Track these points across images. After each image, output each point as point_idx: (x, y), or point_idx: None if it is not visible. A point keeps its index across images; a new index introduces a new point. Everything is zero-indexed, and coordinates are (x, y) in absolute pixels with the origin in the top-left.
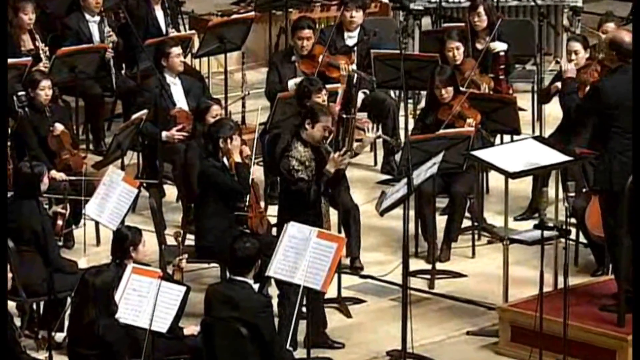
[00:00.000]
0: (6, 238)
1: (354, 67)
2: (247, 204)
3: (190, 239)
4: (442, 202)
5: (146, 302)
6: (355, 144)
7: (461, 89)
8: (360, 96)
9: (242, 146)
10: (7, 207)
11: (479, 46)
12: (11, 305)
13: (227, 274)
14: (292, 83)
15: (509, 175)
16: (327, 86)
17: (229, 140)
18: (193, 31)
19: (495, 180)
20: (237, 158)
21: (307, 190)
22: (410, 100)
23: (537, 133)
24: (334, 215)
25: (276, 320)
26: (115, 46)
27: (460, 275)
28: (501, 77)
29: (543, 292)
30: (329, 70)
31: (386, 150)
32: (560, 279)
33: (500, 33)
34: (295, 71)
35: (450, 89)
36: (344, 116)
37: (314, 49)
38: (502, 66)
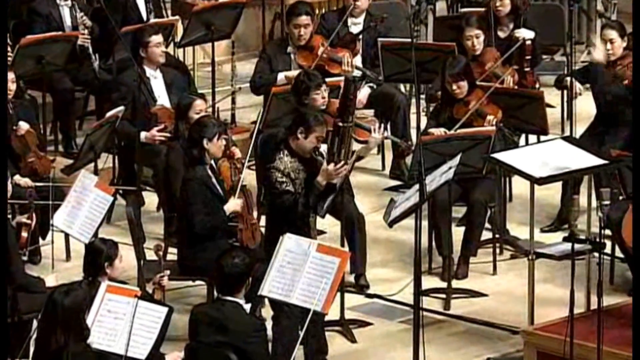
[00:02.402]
0: (6, 237)
1: (357, 62)
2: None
3: (172, 253)
4: (459, 212)
5: (122, 325)
6: (360, 146)
7: (482, 83)
8: (366, 91)
9: (233, 148)
10: (6, 207)
11: (501, 34)
12: None
13: (215, 293)
14: (282, 76)
15: (534, 180)
16: (328, 80)
17: (214, 140)
18: (176, 17)
19: (519, 186)
20: (227, 170)
21: (294, 203)
22: (422, 96)
23: (567, 133)
24: (336, 226)
25: (270, 345)
26: (91, 31)
27: (479, 294)
28: (526, 69)
29: (574, 314)
30: (329, 65)
31: (395, 153)
32: (594, 298)
33: (525, 19)
34: (291, 64)
35: (463, 83)
36: (340, 124)
37: (312, 39)
38: (528, 57)
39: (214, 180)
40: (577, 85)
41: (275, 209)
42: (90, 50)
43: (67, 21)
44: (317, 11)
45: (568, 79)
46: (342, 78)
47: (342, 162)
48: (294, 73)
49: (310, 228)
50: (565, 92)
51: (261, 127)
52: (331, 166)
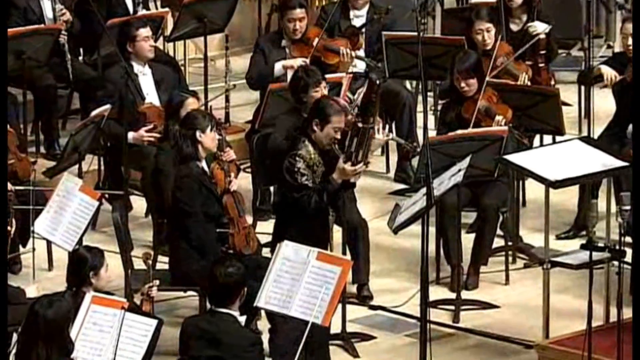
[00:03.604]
0: (6, 236)
1: (360, 52)
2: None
3: (162, 262)
4: (468, 217)
5: (109, 338)
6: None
7: (491, 79)
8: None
9: (227, 149)
10: (7, 207)
11: (514, 27)
12: None
13: (208, 305)
14: (279, 66)
15: (550, 184)
16: (327, 76)
17: (208, 131)
18: (166, 9)
19: (533, 190)
20: (220, 173)
21: (307, 200)
22: (430, 93)
23: (584, 133)
24: (337, 232)
25: None
26: (69, 27)
27: (490, 305)
28: (541, 64)
29: (592, 327)
30: (326, 56)
31: (400, 154)
32: (613, 310)
33: (540, 11)
34: (286, 58)
35: (473, 81)
36: (360, 125)
37: (308, 32)
38: (543, 52)
39: (207, 177)
40: (612, 72)
41: (288, 202)
42: (67, 47)
43: (48, 14)
44: (316, 3)
45: (602, 67)
46: (343, 74)
47: (361, 163)
48: (292, 62)
49: (329, 226)
50: (584, 88)
51: (257, 127)
52: (348, 165)
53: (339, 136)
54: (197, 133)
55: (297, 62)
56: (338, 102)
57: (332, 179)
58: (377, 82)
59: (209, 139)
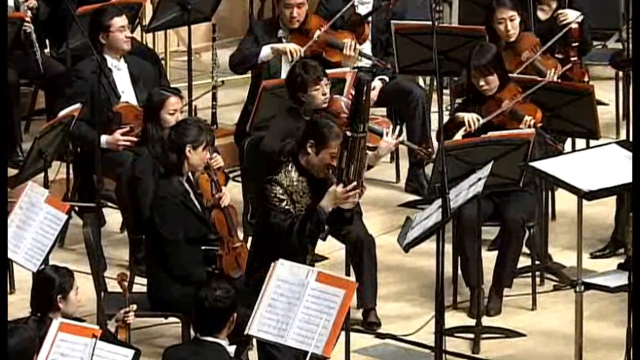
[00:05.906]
0: (6, 238)
1: (365, 48)
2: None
3: (140, 284)
4: (490, 233)
5: None
6: (368, 154)
7: (515, 75)
8: (377, 85)
9: (215, 155)
10: (6, 206)
11: (542, 15)
12: None
13: (192, 333)
14: (267, 50)
15: (583, 195)
16: (329, 71)
17: (200, 149)
18: None
19: (564, 202)
20: (207, 183)
21: (289, 228)
22: (446, 91)
23: (622, 136)
24: (340, 250)
25: None
26: (35, 13)
27: (515, 333)
28: (573, 58)
29: (631, 358)
30: (327, 52)
31: (413, 161)
32: None
33: None
34: None
35: (493, 77)
36: (349, 134)
37: (308, 21)
38: (575, 43)
39: (192, 196)
40: None
41: (265, 230)
42: (34, 36)
43: (9, 1)
44: None
45: None
46: (347, 69)
47: (353, 183)
48: (284, 46)
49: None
50: (622, 85)
51: (248, 129)
52: (339, 187)
53: (334, 162)
54: (188, 147)
55: (290, 46)
56: (339, 119)
57: (319, 207)
58: (367, 81)
59: (198, 157)
